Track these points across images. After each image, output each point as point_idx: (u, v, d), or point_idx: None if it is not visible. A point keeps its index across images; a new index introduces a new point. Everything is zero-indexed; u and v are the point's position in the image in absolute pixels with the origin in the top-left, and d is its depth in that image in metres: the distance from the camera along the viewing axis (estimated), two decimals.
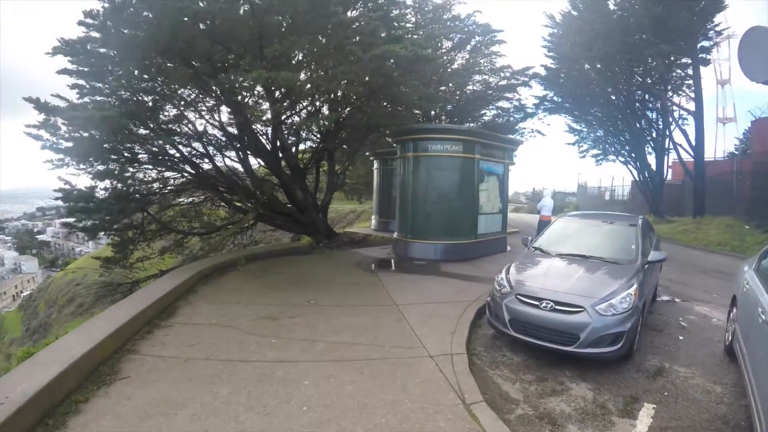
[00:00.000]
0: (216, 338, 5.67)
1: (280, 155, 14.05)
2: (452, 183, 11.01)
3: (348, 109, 14.03)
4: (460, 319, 6.56)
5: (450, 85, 22.16)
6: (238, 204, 14.15)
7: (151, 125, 11.05)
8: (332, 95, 13.63)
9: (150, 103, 10.82)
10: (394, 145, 12.59)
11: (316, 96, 13.26)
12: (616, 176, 62.93)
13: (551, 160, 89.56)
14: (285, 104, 11.53)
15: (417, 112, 16.67)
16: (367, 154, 19.51)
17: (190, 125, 12.22)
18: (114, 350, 5.05)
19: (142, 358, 4.98)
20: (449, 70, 22.15)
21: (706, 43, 21.57)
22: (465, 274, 9.69)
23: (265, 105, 11.44)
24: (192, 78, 9.95)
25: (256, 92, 11.40)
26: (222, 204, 15.07)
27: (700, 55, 21.45)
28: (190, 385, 4.39)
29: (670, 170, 26.22)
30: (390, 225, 16.38)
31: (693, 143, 22.04)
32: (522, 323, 5.58)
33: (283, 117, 11.85)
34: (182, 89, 11.08)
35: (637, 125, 24.51)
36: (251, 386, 4.41)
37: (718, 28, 21.13)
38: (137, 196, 12.11)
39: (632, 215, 8.16)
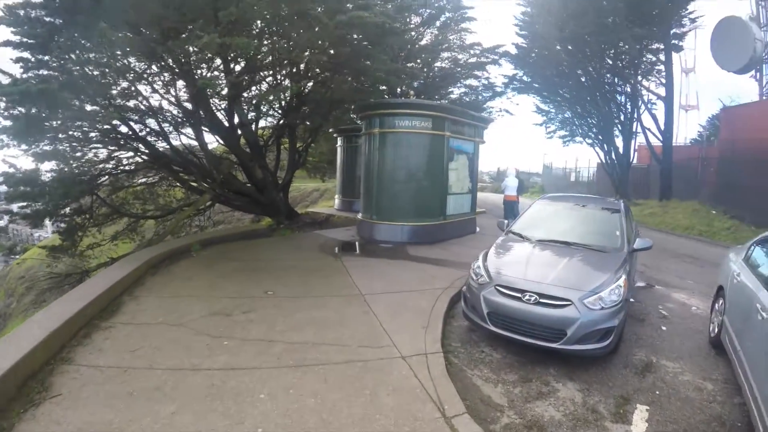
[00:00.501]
0: (162, 340, 4.87)
1: (239, 132, 13.15)
2: (420, 161, 10.37)
3: (311, 83, 13.18)
4: (432, 310, 5.95)
5: (418, 61, 21.39)
6: (194, 184, 13.20)
7: (100, 100, 9.95)
8: (294, 68, 12.70)
9: (98, 76, 9.70)
10: (359, 121, 11.81)
11: (278, 69, 12.32)
12: (581, 158, 63.60)
13: (518, 140, 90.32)
14: (244, 77, 10.61)
15: (383, 88, 15.87)
16: (330, 130, 18.65)
17: (144, 101, 11.21)
18: (46, 360, 4.21)
19: (77, 370, 4.14)
20: (417, 46, 21.35)
21: (678, 30, 21.61)
22: (434, 258, 9.11)
23: (225, 81, 10.48)
24: (139, 45, 8.90)
25: (213, 64, 10.42)
26: (177, 185, 14.07)
27: (673, 42, 21.46)
28: (129, 403, 3.62)
29: (635, 154, 26.34)
30: (354, 204, 15.68)
31: (662, 128, 22.10)
32: (502, 317, 5.02)
33: (243, 90, 10.93)
34: (132, 60, 9.96)
35: (606, 108, 24.41)
36: (199, 402, 3.68)
37: (691, 16, 21.15)
38: (85, 178, 11.04)
39: (612, 200, 7.68)
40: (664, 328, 6.30)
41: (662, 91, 22.54)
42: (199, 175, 12.74)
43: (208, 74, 10.29)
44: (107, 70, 9.76)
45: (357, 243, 10.56)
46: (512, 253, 6.04)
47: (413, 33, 21.32)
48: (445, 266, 8.48)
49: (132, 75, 10.18)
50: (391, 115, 10.18)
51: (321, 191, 30.58)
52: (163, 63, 9.70)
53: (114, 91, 10.19)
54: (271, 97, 8.84)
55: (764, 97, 22.12)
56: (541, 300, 4.84)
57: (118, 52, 9.47)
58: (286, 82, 12.79)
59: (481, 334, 5.54)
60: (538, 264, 5.52)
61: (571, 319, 4.70)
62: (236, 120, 12.81)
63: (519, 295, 4.96)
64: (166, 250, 8.67)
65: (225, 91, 9.92)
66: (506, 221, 7.07)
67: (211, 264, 8.29)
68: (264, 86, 12.71)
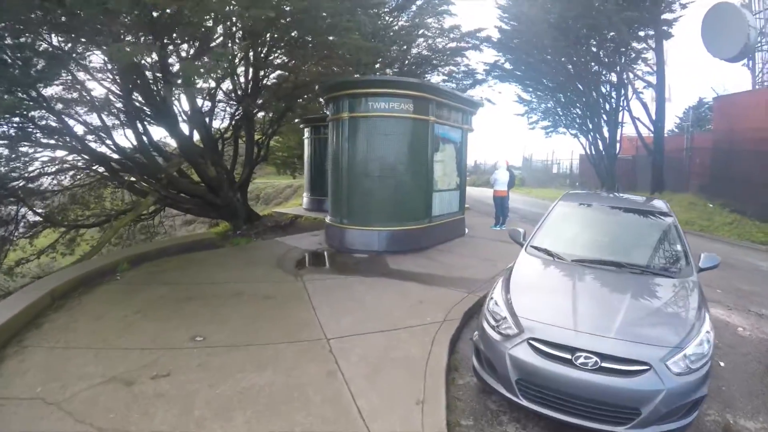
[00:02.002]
0: None
1: (186, 122, 11.19)
2: (400, 152, 8.49)
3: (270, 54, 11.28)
4: (427, 364, 4.09)
5: (394, 48, 19.52)
6: (138, 185, 11.17)
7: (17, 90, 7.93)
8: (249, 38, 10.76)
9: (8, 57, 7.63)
10: (325, 106, 9.84)
11: (228, 41, 10.35)
12: (558, 150, 63.05)
13: (498, 131, 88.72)
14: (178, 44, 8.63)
15: (352, 69, 14.02)
16: (296, 121, 16.69)
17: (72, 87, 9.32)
18: None
19: None
20: (391, 32, 19.43)
21: (669, 16, 20.38)
22: (421, 273, 7.28)
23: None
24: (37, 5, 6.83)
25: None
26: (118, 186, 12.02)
27: (663, 27, 20.23)
28: None
29: (619, 145, 25.20)
30: (324, 203, 13.64)
31: (653, 116, 21.09)
32: (540, 388, 3.23)
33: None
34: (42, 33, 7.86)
35: (593, 97, 23.13)
36: None
37: (683, 1, 19.89)
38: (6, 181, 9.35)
39: (651, 197, 5.99)
40: (722, 364, 4.75)
41: (652, 79, 21.46)
42: (137, 173, 10.71)
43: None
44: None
45: (324, 253, 8.67)
46: (545, 282, 4.23)
47: (388, 18, 19.49)
48: (435, 284, 6.67)
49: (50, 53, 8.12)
50: (363, 95, 8.30)
51: (294, 188, 28.81)
52: (71, 30, 7.60)
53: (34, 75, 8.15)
54: (202, 69, 6.82)
55: (757, 86, 21.39)
56: (604, 364, 3.07)
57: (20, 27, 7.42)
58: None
59: (500, 399, 3.74)
60: (587, 302, 3.73)
61: (650, 392, 2.98)
62: (183, 107, 10.89)
63: (568, 356, 3.17)
64: (81, 274, 6.64)
65: (145, 58, 7.89)
66: (522, 231, 5.23)
67: (135, 291, 6.30)
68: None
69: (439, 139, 9.29)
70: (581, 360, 3.09)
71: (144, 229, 13.80)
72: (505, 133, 79.97)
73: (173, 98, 9.96)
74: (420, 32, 20.40)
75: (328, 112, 9.28)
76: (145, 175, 10.74)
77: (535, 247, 4.76)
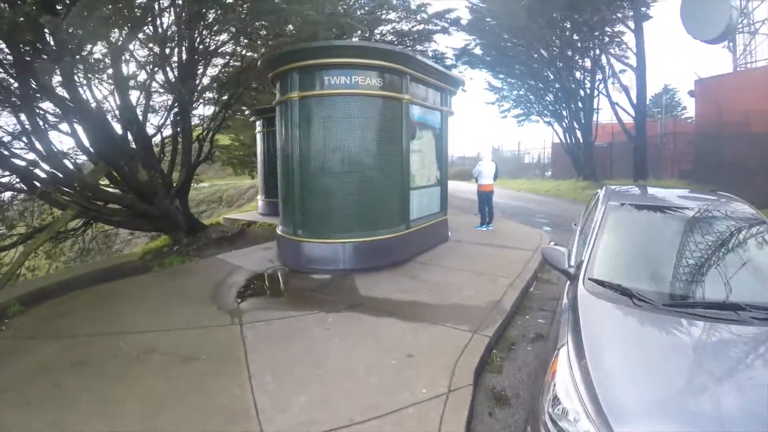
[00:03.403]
0: None
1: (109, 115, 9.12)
2: (366, 140, 6.53)
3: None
4: None
5: (357, 33, 17.56)
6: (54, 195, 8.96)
7: None
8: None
9: None
10: (273, 94, 7.80)
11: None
12: (526, 139, 62.24)
13: (467, 120, 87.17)
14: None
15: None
16: (246, 113, 14.61)
17: None
18: None
19: None
20: (351, 18, 17.41)
21: None
22: (402, 302, 5.40)
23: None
24: None
25: None
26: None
27: (642, 8, 19.04)
28: None
29: (594, 132, 24.10)
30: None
31: (634, 101, 19.81)
32: None
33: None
34: None
35: (568, 83, 21.80)
36: None
37: None
38: None
39: (721, 195, 4.18)
40: None
41: (631, 62, 20.15)
42: (50, 182, 8.51)
43: None
44: None
45: (274, 275, 6.69)
46: (639, 352, 2.38)
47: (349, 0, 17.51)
48: (424, 320, 4.79)
49: None
50: (317, 68, 6.33)
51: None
52: None
53: None
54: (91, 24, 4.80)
55: (739, 68, 20.60)
56: None
57: None
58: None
59: None
60: (724, 385, 1.95)
61: None
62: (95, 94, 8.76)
63: None
64: None
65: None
66: (564, 251, 3.33)
67: (14, 351, 4.29)
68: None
69: (416, 123, 7.42)
70: None
71: (73, 248, 11.56)
72: (475, 122, 78.53)
73: (76, 83, 7.79)
74: (384, 14, 18.53)
75: (276, 94, 7.27)
76: (60, 184, 8.58)
77: (598, 282, 2.90)
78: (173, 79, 10.29)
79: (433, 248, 8.01)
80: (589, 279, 2.95)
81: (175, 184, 10.67)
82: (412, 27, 19.30)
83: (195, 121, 12.07)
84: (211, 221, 16.43)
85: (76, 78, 7.51)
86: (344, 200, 6.47)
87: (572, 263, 3.23)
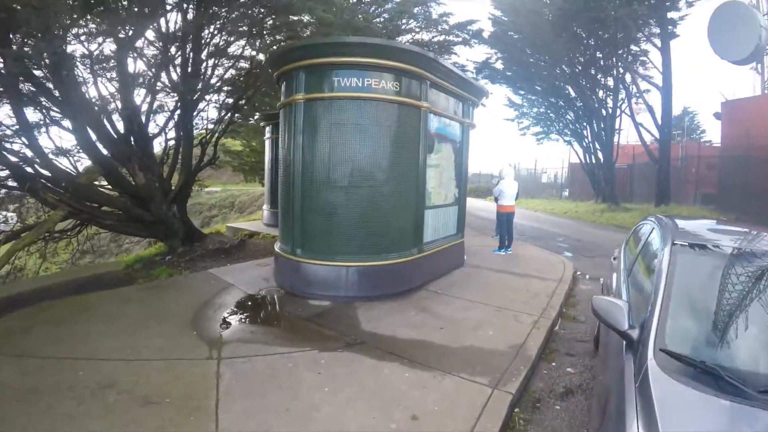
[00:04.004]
0: None
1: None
2: (379, 152, 5.80)
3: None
4: None
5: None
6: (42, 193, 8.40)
7: None
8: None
9: None
10: (278, 86, 7.10)
11: None
12: (541, 158, 61.65)
13: (486, 137, 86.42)
14: None
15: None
16: (256, 117, 14.01)
17: None
18: None
19: None
20: (374, 23, 16.85)
21: (674, 14, 18.62)
22: (411, 341, 4.63)
23: None
24: None
25: None
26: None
27: (669, 27, 18.45)
28: None
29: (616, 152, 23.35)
30: None
31: (659, 122, 19.03)
32: None
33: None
34: None
35: (593, 100, 21.07)
36: None
37: None
38: None
39: None
40: None
41: (657, 81, 19.36)
42: (37, 179, 7.95)
43: None
44: None
45: (267, 300, 5.97)
46: None
47: (370, 8, 16.93)
48: (435, 367, 4.01)
49: None
50: (325, 67, 5.65)
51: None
52: None
53: None
54: None
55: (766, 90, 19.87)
56: None
57: None
58: None
59: None
60: None
61: None
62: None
63: None
64: None
65: None
66: (623, 305, 2.46)
67: None
68: None
69: (434, 135, 6.70)
70: None
71: (67, 248, 10.96)
72: (492, 138, 77.68)
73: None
74: (405, 22, 17.93)
75: (281, 95, 6.58)
76: (50, 183, 8.05)
77: (674, 355, 2.12)
78: (177, 79, 9.76)
79: (447, 275, 7.24)
80: (661, 350, 2.17)
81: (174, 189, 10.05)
82: (433, 38, 18.70)
83: (201, 123, 11.49)
84: (215, 229, 15.85)
85: (65, 71, 6.92)
86: (350, 218, 5.72)
87: (633, 326, 2.45)
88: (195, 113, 10.52)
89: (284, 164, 6.18)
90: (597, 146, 22.01)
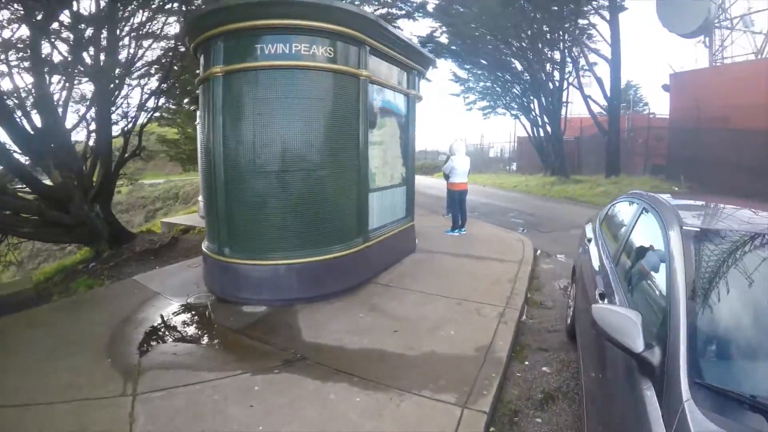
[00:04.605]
0: None
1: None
2: (313, 130, 4.97)
3: None
4: None
5: None
6: None
7: None
8: None
9: None
10: (197, 57, 6.06)
11: None
12: (488, 133, 61.96)
13: (431, 112, 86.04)
14: None
15: None
16: (185, 101, 12.83)
17: None
18: None
19: None
20: None
21: None
22: (360, 353, 3.91)
23: None
24: None
25: None
26: None
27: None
28: None
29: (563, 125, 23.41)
30: None
31: (608, 93, 19.23)
32: None
33: None
34: None
35: (540, 73, 20.86)
36: None
37: None
38: None
39: None
40: None
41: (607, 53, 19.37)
42: None
43: None
44: None
45: (195, 308, 5.12)
46: None
47: None
48: (391, 388, 3.32)
49: None
50: (247, 32, 4.76)
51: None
52: None
53: None
54: None
55: (716, 63, 20.38)
56: None
57: None
58: None
59: None
60: None
61: None
62: None
63: None
64: None
65: None
66: (635, 319, 1.79)
67: None
68: None
69: (377, 108, 5.95)
70: None
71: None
72: (437, 113, 77.54)
73: None
74: None
75: (200, 69, 5.63)
76: None
77: (707, 386, 1.50)
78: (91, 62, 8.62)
79: (398, 263, 6.57)
80: (698, 383, 1.54)
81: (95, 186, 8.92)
82: (375, 10, 17.83)
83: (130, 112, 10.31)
84: (153, 225, 14.75)
85: None
86: (282, 208, 4.90)
87: (648, 348, 1.78)
88: (115, 99, 9.35)
89: (204, 149, 5.28)
90: (545, 119, 21.85)
